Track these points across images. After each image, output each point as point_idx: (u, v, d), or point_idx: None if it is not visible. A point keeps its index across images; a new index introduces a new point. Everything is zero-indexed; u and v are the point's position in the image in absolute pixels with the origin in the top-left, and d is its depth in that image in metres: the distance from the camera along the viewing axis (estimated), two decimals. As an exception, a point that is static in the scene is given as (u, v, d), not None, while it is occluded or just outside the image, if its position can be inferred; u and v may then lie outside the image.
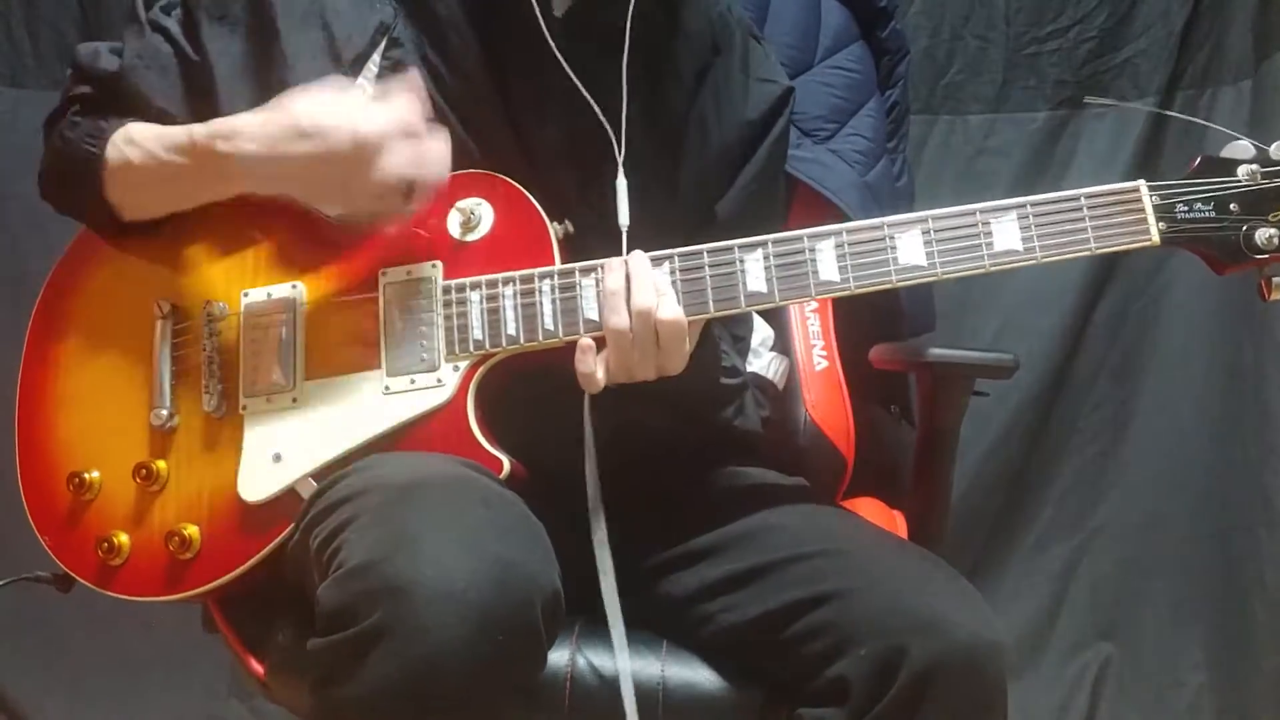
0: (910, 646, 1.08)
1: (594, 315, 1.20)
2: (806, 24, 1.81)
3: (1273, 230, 1.14)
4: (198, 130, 1.23)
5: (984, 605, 1.14)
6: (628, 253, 1.22)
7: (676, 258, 1.21)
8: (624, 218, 1.27)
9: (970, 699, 1.09)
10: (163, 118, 1.30)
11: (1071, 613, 2.43)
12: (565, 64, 1.28)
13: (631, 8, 1.29)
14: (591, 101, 1.28)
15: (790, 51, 1.77)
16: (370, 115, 1.18)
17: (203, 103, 1.30)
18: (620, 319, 1.18)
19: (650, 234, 1.30)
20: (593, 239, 1.27)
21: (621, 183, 1.28)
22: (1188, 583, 2.38)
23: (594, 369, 1.19)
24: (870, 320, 1.72)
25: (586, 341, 1.19)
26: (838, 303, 1.68)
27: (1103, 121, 2.34)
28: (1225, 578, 2.34)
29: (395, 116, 1.18)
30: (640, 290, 1.18)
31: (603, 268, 1.20)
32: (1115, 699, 2.41)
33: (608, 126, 1.29)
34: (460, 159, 1.27)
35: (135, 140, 1.27)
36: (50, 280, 1.37)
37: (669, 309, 1.18)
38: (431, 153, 1.20)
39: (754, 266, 1.19)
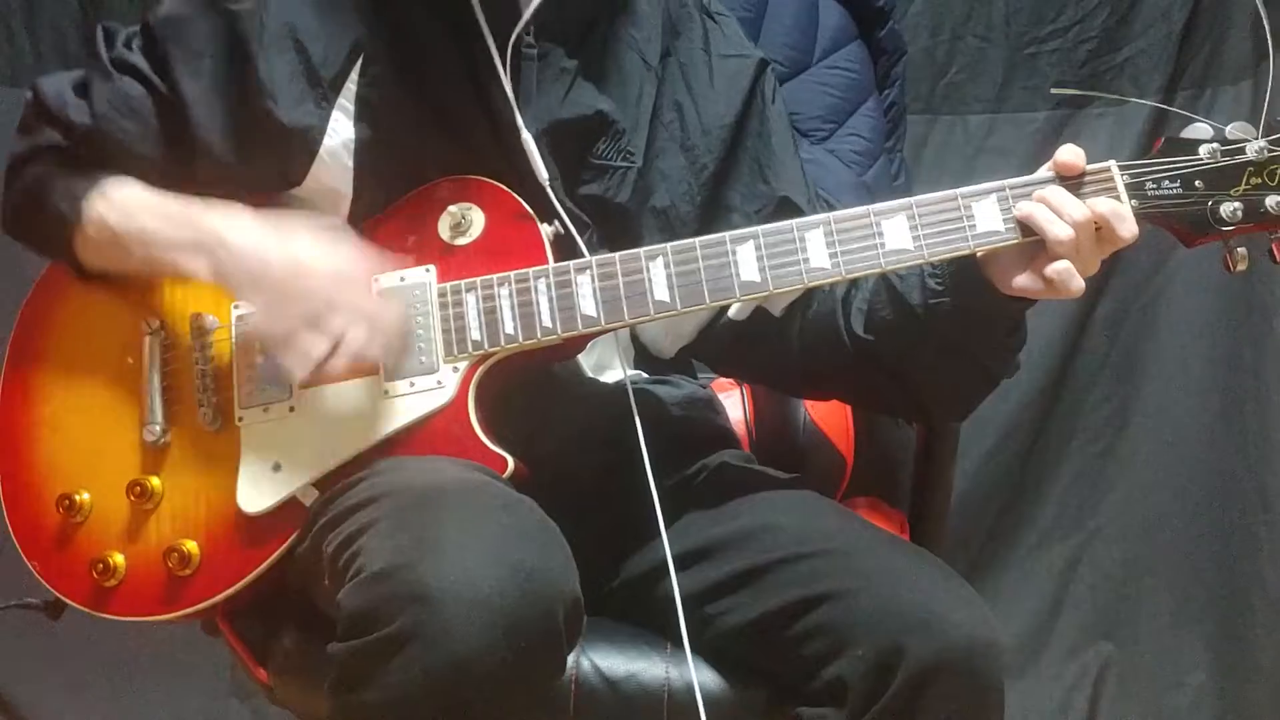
0: (907, 646, 1.08)
1: (591, 311, 1.21)
2: (804, 24, 1.81)
3: (1236, 204, 1.18)
4: (197, 201, 1.23)
5: (982, 605, 1.15)
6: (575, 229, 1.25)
7: (670, 251, 1.21)
8: (542, 173, 1.27)
9: (968, 699, 1.09)
10: (142, 165, 1.29)
11: (1071, 613, 2.44)
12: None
13: None
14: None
15: (788, 51, 1.77)
16: (352, 287, 1.19)
17: (180, 137, 1.30)
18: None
19: (653, 221, 1.31)
20: (587, 231, 1.28)
21: (527, 138, 1.27)
22: (1188, 583, 2.39)
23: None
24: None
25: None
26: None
27: (1103, 121, 2.34)
28: (1225, 578, 2.35)
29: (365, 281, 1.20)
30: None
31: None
32: (1115, 699, 2.41)
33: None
34: (448, 169, 1.28)
35: (116, 204, 1.26)
36: (28, 300, 1.36)
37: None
38: (364, 320, 1.19)
39: (746, 257, 1.20)
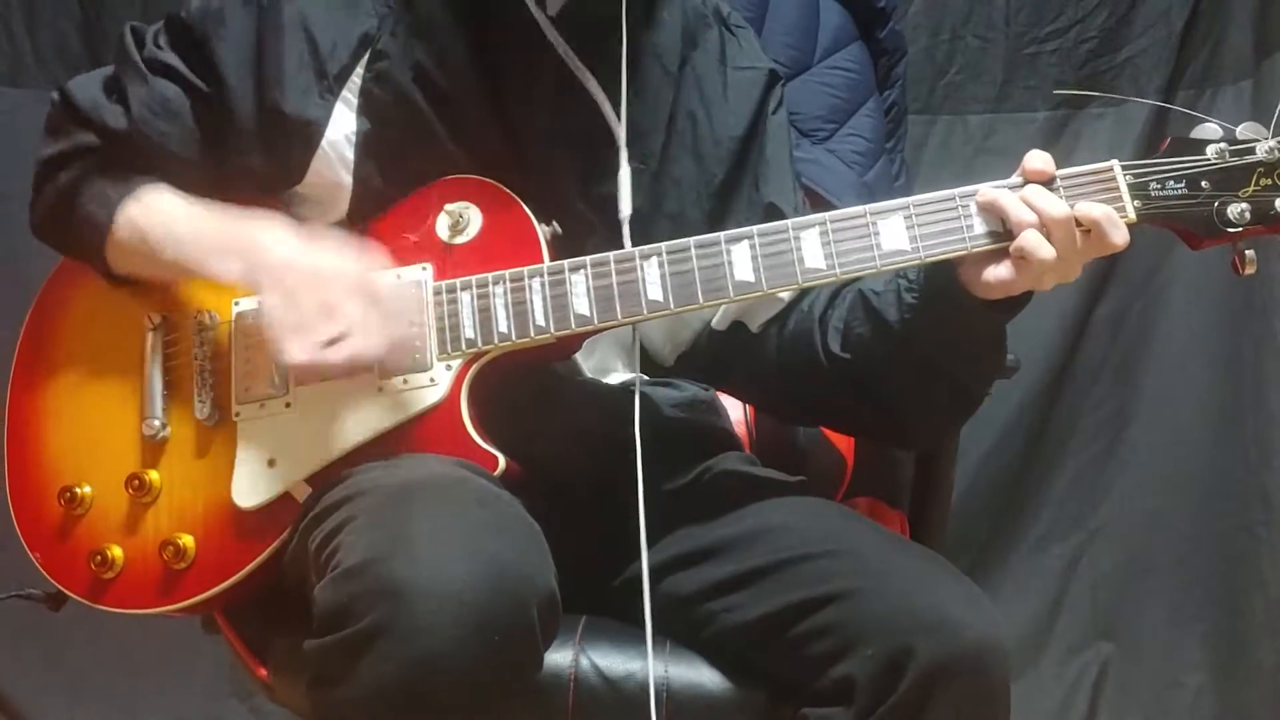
0: (917, 647, 1.08)
1: (585, 310, 1.21)
2: (805, 24, 1.81)
3: (1244, 205, 1.16)
4: (231, 208, 1.25)
5: (991, 607, 1.14)
6: (632, 244, 1.23)
7: (665, 251, 1.21)
8: (625, 209, 1.28)
9: (976, 700, 1.09)
10: (177, 166, 1.30)
11: (1071, 613, 2.44)
12: (566, 58, 1.29)
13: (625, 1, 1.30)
14: (600, 89, 1.29)
15: (789, 51, 1.77)
16: (369, 295, 1.20)
17: (215, 136, 1.30)
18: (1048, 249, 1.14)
19: (664, 227, 1.31)
20: (595, 233, 1.28)
21: (624, 172, 1.29)
22: (1188, 583, 2.39)
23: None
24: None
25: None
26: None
27: (1103, 121, 2.34)
28: (1225, 578, 2.35)
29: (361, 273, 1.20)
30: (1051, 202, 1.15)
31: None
32: (1115, 699, 2.41)
33: (609, 115, 1.29)
34: (449, 166, 1.28)
35: (151, 208, 1.27)
36: (40, 296, 1.37)
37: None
38: (373, 321, 1.19)
39: (740, 257, 1.20)
